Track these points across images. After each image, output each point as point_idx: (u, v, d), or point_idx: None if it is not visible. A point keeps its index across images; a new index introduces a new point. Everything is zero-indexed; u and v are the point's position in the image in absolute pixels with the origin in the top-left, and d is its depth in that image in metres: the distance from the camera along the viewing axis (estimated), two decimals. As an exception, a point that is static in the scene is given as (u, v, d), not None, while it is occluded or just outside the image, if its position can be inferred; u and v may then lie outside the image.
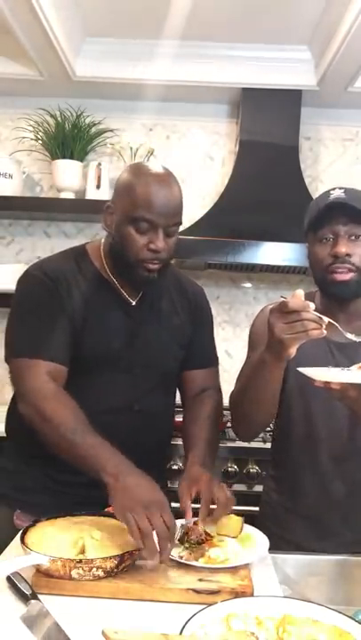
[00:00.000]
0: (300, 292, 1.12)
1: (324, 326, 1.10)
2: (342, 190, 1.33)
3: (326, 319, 1.11)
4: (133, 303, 1.46)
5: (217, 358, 1.66)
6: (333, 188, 1.36)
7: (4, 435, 1.56)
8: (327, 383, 1.15)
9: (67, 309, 1.39)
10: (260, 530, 1.27)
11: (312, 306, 1.10)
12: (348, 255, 1.30)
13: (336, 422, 1.37)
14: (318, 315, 1.10)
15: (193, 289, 1.62)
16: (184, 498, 1.26)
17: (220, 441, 1.63)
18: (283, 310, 1.11)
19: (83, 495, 1.40)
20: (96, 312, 1.42)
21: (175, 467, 2.33)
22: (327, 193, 1.36)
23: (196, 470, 1.32)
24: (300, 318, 1.09)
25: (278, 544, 1.27)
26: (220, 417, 1.59)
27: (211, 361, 1.63)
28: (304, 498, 1.42)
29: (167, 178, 1.41)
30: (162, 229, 1.35)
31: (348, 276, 1.31)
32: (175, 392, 1.62)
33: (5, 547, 1.22)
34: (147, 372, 1.47)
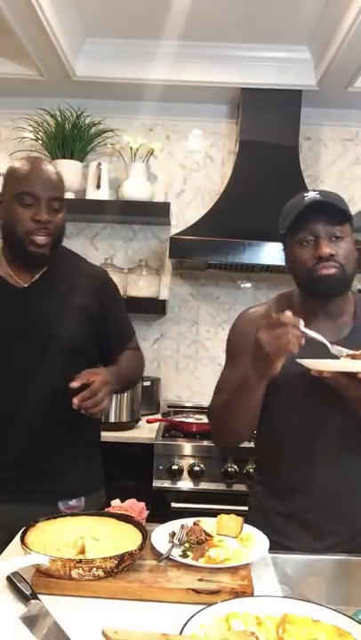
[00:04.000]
0: (289, 314, 1.19)
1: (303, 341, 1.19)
2: (316, 192, 1.36)
3: (317, 336, 1.21)
4: (25, 286, 1.57)
5: (133, 330, 1.80)
6: (307, 191, 1.38)
7: None
8: (321, 372, 1.21)
9: None
10: None
11: (302, 323, 1.18)
12: (331, 255, 1.32)
13: (330, 419, 1.38)
14: (305, 330, 1.19)
15: (93, 271, 1.71)
16: (83, 374, 1.44)
17: (135, 375, 1.79)
18: (271, 325, 1.19)
19: (6, 477, 1.53)
20: None
21: (175, 467, 2.33)
22: (301, 196, 1.37)
23: (107, 369, 1.54)
24: (287, 332, 1.17)
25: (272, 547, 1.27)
26: (139, 363, 1.79)
27: (127, 337, 1.76)
28: (298, 499, 1.41)
29: (42, 160, 1.61)
30: (44, 202, 1.49)
31: (332, 271, 1.33)
32: None
33: None
34: (45, 349, 1.54)
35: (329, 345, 1.24)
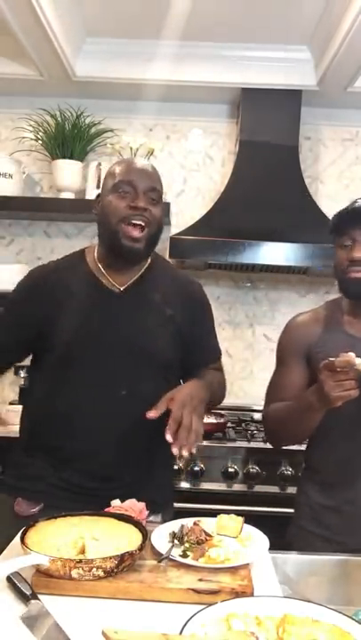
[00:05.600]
0: (352, 355, 1.22)
1: None
2: None
3: None
4: (121, 289, 1.52)
5: (220, 351, 1.72)
6: (359, 198, 1.46)
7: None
8: None
9: (39, 306, 1.51)
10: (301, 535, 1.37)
11: (358, 361, 1.20)
12: None
13: None
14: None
15: (190, 286, 1.66)
16: (159, 403, 1.35)
17: (222, 391, 1.68)
18: (331, 369, 1.23)
19: (83, 486, 1.48)
20: (78, 301, 1.51)
21: (175, 467, 2.32)
22: (354, 202, 1.45)
23: (188, 385, 1.43)
24: (348, 378, 1.22)
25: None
26: (223, 387, 1.67)
27: (215, 357, 1.69)
28: (343, 492, 1.44)
29: (142, 159, 1.58)
30: (142, 191, 1.45)
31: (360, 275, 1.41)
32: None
33: (4, 533, 1.24)
34: (134, 357, 1.49)
35: None
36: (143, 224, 1.43)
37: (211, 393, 1.51)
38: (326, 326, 1.51)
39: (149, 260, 1.57)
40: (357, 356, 1.22)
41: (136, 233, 1.43)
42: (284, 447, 1.63)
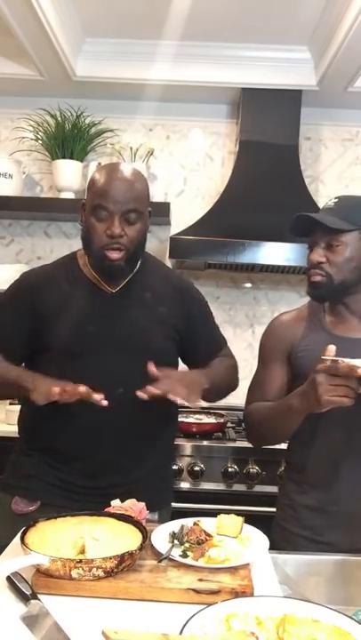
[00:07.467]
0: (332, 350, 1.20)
1: None
2: (336, 199, 1.42)
3: None
4: (113, 292, 1.55)
5: (224, 340, 1.74)
6: (334, 198, 1.43)
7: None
8: None
9: (38, 308, 1.53)
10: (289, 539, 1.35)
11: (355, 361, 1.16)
12: (319, 262, 1.38)
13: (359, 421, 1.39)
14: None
15: (180, 284, 1.68)
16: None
17: (230, 382, 1.70)
18: (332, 372, 1.18)
19: (79, 485, 1.50)
20: (73, 303, 1.52)
21: (175, 467, 2.32)
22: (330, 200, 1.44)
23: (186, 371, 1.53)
24: (347, 384, 1.17)
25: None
26: (233, 370, 1.70)
27: (218, 346, 1.71)
28: (326, 492, 1.42)
29: (125, 170, 1.49)
30: (118, 216, 1.44)
31: (317, 279, 1.40)
32: None
33: (4, 532, 1.24)
34: (129, 355, 1.50)
35: None
36: (120, 252, 1.46)
37: (216, 379, 1.54)
38: (309, 326, 1.49)
39: (139, 263, 1.59)
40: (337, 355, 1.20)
41: (115, 255, 1.45)
42: (265, 447, 1.62)
